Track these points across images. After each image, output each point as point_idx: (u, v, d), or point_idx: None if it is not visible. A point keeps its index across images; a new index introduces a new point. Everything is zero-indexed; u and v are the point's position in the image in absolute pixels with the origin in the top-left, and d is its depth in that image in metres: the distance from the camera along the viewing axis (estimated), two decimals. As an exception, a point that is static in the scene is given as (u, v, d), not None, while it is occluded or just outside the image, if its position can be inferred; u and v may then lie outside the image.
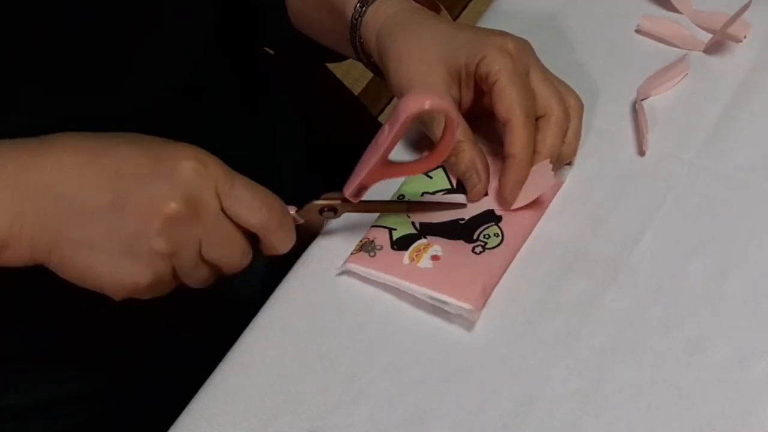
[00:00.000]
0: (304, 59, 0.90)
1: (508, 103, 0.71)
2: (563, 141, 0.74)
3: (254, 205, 0.64)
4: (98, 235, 0.62)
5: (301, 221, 0.69)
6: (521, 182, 0.73)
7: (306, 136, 0.96)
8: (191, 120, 0.78)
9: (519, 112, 0.71)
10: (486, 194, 0.75)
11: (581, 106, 0.75)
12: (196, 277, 0.66)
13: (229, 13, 0.83)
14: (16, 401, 0.82)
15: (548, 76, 0.74)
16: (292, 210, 0.68)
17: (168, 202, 0.61)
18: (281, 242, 0.67)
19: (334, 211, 0.71)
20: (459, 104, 0.75)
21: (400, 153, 0.80)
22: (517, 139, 0.71)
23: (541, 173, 0.73)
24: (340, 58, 0.87)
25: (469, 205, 0.75)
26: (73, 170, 0.62)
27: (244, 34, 0.90)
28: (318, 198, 0.70)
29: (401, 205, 0.75)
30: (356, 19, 0.77)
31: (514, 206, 0.74)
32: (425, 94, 0.65)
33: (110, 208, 0.61)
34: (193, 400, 0.70)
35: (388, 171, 0.69)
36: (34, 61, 0.68)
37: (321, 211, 0.70)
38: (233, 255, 0.65)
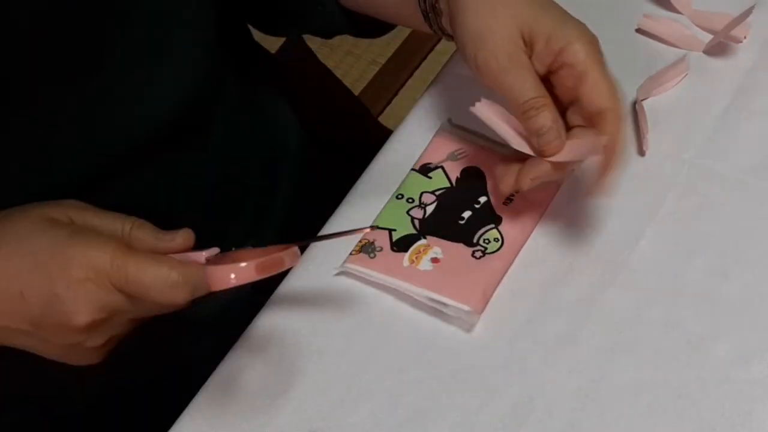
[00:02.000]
0: (354, 32, 0.86)
1: (603, 93, 0.68)
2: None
3: (154, 290, 0.61)
4: (35, 344, 0.63)
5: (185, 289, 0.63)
6: (616, 170, 0.70)
7: (306, 136, 0.96)
8: (192, 129, 0.78)
9: (615, 101, 0.69)
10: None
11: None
12: (146, 320, 0.65)
13: (229, 20, 0.82)
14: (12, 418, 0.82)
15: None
16: (202, 256, 0.64)
17: (76, 319, 0.61)
18: (198, 295, 0.63)
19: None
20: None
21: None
22: (615, 128, 0.69)
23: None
24: (383, 29, 0.83)
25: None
26: None
27: (244, 38, 0.90)
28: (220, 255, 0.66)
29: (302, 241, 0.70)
30: None
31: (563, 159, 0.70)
32: (230, 269, 0.61)
33: (32, 326, 0.62)
34: (193, 400, 0.70)
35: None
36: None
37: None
38: (169, 308, 0.64)
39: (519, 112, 0.69)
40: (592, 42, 0.70)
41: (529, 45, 0.70)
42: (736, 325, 0.69)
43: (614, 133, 0.69)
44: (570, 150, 0.69)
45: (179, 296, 0.61)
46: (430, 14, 0.74)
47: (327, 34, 0.86)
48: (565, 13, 0.71)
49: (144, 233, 0.63)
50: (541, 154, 0.69)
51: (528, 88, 0.69)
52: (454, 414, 0.68)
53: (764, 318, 0.70)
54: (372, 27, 0.83)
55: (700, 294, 0.71)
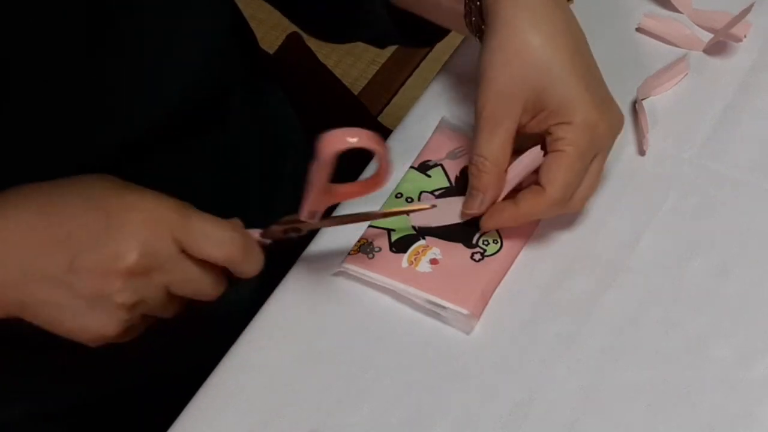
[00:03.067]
0: (405, 43, 0.86)
1: (554, 178, 0.68)
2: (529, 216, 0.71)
3: (214, 240, 0.63)
4: (60, 296, 0.62)
5: (268, 242, 0.68)
6: (501, 227, 0.72)
7: (306, 136, 0.96)
8: (194, 130, 0.77)
9: (556, 191, 0.68)
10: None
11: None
12: (168, 313, 0.66)
13: (236, 23, 0.82)
14: (13, 412, 0.81)
15: (601, 170, 0.71)
16: (257, 233, 0.67)
17: (123, 258, 0.61)
18: (249, 268, 0.66)
19: (297, 231, 0.69)
20: (523, 127, 0.70)
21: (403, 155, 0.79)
22: (533, 205, 0.69)
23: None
24: (437, 36, 0.82)
25: (445, 209, 0.74)
26: (28, 235, 0.62)
27: (248, 41, 0.90)
28: (278, 221, 0.69)
29: (368, 215, 0.73)
30: None
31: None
32: (347, 131, 0.62)
33: (67, 271, 0.61)
34: (193, 400, 0.70)
35: (332, 196, 0.67)
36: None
37: (285, 231, 0.69)
38: (203, 289, 0.65)
39: (470, 160, 0.70)
40: (596, 137, 0.68)
41: (530, 111, 0.69)
42: (736, 325, 0.69)
43: (529, 210, 0.70)
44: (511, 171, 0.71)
45: (235, 252, 0.63)
46: (477, 35, 0.73)
47: (380, 42, 0.86)
48: (589, 84, 0.69)
49: None
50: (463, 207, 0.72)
51: (487, 147, 0.69)
52: (454, 414, 0.68)
53: (764, 318, 0.70)
54: (423, 33, 0.82)
55: (700, 294, 0.71)
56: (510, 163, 0.71)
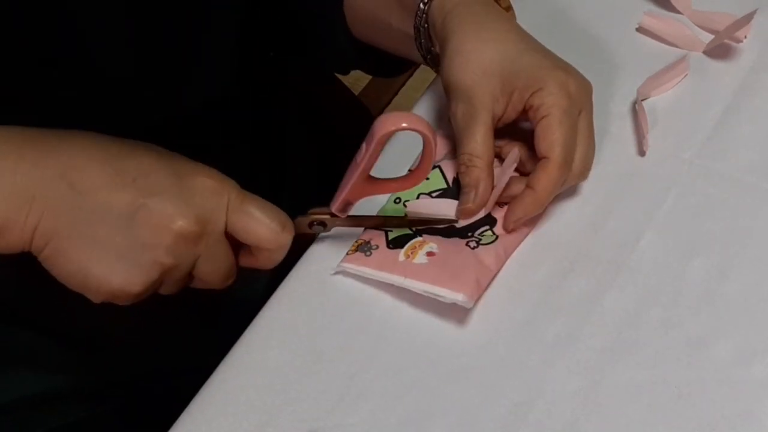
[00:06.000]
0: (365, 68, 0.89)
1: (551, 141, 0.70)
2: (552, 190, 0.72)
3: (264, 220, 0.65)
4: (103, 234, 0.62)
5: (292, 234, 0.69)
6: (529, 217, 0.72)
7: (306, 136, 0.96)
8: (194, 133, 0.78)
9: (559, 152, 0.70)
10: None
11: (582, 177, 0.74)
12: (174, 289, 0.67)
13: (250, 28, 0.83)
14: (8, 398, 0.81)
15: (591, 129, 0.73)
16: None
17: (182, 219, 0.62)
18: (277, 258, 0.68)
19: (324, 225, 0.71)
20: (499, 119, 0.73)
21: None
22: (546, 178, 0.70)
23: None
24: (397, 69, 0.86)
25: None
26: (95, 167, 0.62)
27: (262, 45, 0.90)
28: (306, 213, 0.70)
29: (392, 220, 0.75)
30: (425, 2, 0.75)
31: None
32: (402, 114, 0.65)
33: (123, 212, 0.62)
34: (193, 400, 0.70)
35: (371, 188, 0.69)
36: (36, 83, 0.69)
37: (310, 225, 0.71)
38: (221, 273, 0.67)
39: (458, 162, 0.73)
40: (572, 94, 0.70)
41: (506, 95, 0.72)
42: (736, 325, 0.69)
43: (545, 184, 0.70)
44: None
45: (283, 236, 0.66)
46: (423, 52, 0.77)
47: (341, 66, 0.89)
48: (545, 57, 0.72)
49: None
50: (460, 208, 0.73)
51: (470, 144, 0.71)
52: (454, 414, 0.68)
53: (764, 318, 0.70)
54: (384, 64, 0.85)
55: (700, 294, 0.71)
56: (497, 169, 0.73)
